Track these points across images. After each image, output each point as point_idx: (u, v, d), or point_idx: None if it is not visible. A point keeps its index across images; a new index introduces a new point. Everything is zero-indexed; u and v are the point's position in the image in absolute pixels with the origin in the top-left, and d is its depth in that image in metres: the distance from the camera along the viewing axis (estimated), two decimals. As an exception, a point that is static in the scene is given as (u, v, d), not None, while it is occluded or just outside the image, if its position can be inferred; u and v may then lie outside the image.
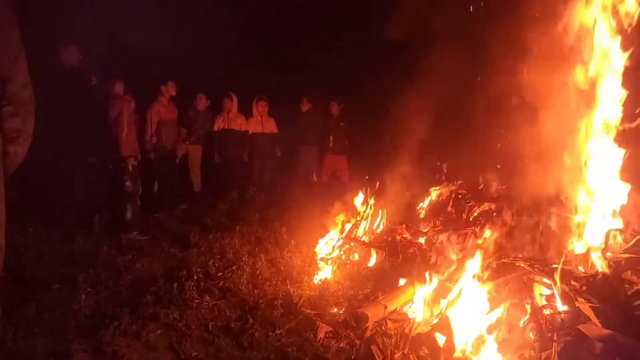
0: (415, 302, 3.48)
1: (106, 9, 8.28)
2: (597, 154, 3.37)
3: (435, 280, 3.40)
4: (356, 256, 5.07)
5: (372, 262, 4.79)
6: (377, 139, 7.99)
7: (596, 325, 2.60)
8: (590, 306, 2.70)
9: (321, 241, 5.17)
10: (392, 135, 6.47)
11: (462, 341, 2.93)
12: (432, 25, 5.18)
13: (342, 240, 5.15)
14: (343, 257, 4.98)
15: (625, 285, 2.78)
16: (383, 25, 5.66)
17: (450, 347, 2.88)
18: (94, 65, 6.60)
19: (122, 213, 5.65)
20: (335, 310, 3.87)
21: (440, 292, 3.30)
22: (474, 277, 3.18)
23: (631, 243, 3.00)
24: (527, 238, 3.45)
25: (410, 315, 3.40)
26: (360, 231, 5.34)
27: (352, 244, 5.11)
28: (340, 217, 5.40)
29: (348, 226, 5.33)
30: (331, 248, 5.07)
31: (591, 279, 2.88)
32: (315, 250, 5.08)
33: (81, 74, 6.27)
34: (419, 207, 5.68)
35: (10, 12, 2.11)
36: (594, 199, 3.34)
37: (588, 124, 3.36)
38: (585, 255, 3.13)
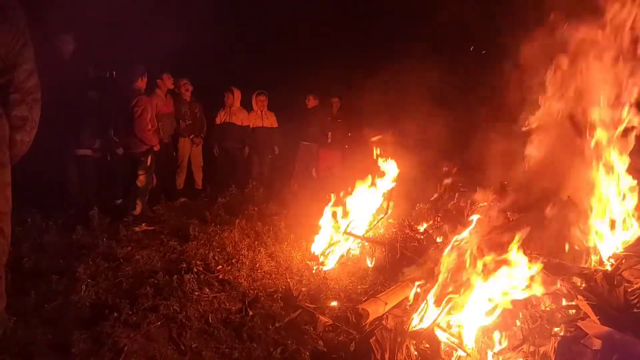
0: (416, 299, 3.48)
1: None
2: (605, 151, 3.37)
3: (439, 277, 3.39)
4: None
5: (372, 263, 4.79)
6: (375, 135, 7.98)
7: (595, 322, 2.62)
8: (589, 303, 2.72)
9: (321, 236, 5.17)
10: (395, 131, 6.46)
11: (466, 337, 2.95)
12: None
13: (342, 236, 5.15)
14: (343, 252, 4.98)
15: (625, 284, 2.80)
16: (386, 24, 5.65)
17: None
18: (90, 57, 6.57)
19: (131, 207, 5.63)
20: (335, 303, 3.88)
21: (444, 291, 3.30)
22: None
23: (631, 242, 3.02)
24: (529, 235, 3.45)
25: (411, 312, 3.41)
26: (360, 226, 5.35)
27: (352, 239, 5.11)
28: (340, 212, 5.39)
29: (347, 221, 5.34)
30: (330, 243, 5.07)
31: (591, 277, 2.90)
32: (315, 244, 5.08)
33: (77, 65, 6.24)
34: (419, 205, 5.69)
35: (16, 0, 2.09)
36: (599, 197, 3.35)
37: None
38: (586, 253, 3.14)
